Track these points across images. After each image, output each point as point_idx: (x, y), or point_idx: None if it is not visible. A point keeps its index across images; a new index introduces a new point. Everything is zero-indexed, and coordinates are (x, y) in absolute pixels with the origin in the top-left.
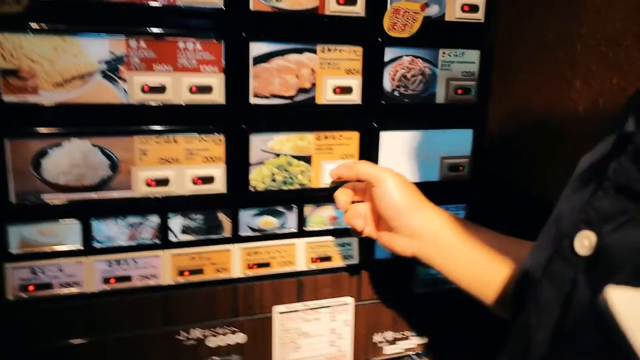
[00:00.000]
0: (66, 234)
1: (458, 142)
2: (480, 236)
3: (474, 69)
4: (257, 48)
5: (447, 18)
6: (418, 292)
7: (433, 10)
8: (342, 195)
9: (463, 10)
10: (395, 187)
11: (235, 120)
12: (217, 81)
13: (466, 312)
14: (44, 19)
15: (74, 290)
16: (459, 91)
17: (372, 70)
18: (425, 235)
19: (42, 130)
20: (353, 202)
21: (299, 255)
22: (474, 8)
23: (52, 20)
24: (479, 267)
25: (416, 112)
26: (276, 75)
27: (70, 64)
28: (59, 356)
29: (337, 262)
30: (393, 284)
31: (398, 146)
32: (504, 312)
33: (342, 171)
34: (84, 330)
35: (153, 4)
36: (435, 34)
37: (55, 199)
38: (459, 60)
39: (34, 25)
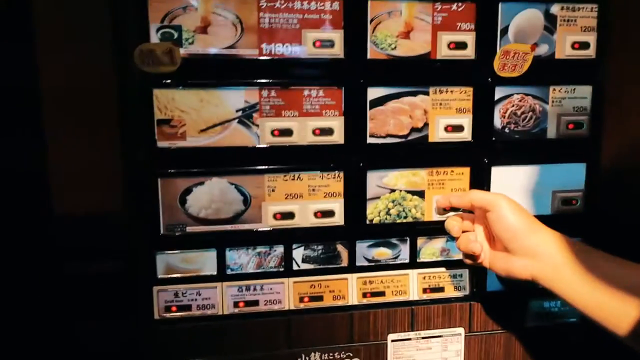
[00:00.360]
0: (204, 262)
1: (571, 176)
2: (605, 260)
3: (585, 104)
4: (373, 92)
5: (557, 56)
6: (531, 325)
7: (543, 49)
8: (454, 222)
9: (573, 48)
10: (510, 209)
11: (354, 159)
12: (337, 123)
13: (584, 348)
14: (192, 76)
15: (209, 312)
16: (571, 126)
17: (483, 108)
18: (544, 256)
19: (189, 170)
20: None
21: (412, 285)
22: (584, 45)
23: (199, 76)
24: (606, 293)
25: (527, 147)
26: (391, 117)
27: (212, 113)
28: None
29: (449, 292)
30: (505, 317)
31: (509, 181)
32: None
33: (454, 200)
34: (216, 349)
35: (282, 58)
36: (545, 72)
37: (196, 230)
38: (570, 96)
39: (184, 81)
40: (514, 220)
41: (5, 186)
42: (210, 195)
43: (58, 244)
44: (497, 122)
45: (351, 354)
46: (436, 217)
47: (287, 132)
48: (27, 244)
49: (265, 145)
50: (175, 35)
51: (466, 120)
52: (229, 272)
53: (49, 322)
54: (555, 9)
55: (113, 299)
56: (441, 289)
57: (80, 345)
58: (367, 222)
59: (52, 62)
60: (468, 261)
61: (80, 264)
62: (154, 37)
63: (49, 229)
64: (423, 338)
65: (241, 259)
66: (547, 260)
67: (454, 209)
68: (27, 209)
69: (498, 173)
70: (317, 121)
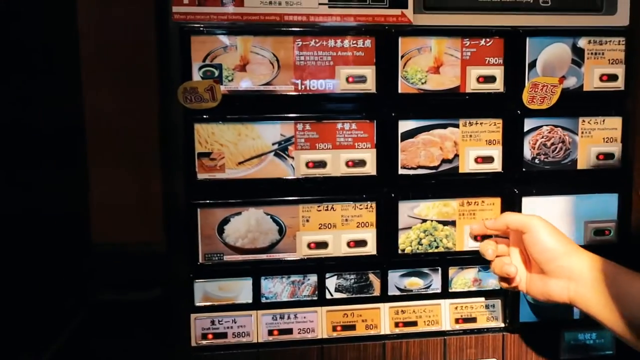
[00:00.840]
0: (240, 290)
1: (603, 206)
2: None
3: (616, 135)
4: (404, 125)
5: (585, 88)
6: (565, 357)
7: (571, 82)
8: (488, 245)
9: (602, 80)
10: (546, 231)
11: (385, 189)
12: (369, 155)
13: None
14: (232, 111)
15: (244, 340)
16: (601, 157)
17: (512, 140)
18: (582, 277)
19: (227, 201)
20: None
21: (444, 315)
22: (613, 77)
23: (237, 111)
24: None
25: (557, 178)
26: (422, 148)
27: (250, 146)
28: None
29: (482, 323)
30: (538, 348)
31: (540, 211)
32: None
33: (489, 224)
34: None
35: (316, 93)
36: (574, 104)
37: (233, 259)
38: (599, 127)
39: (224, 116)
40: (550, 241)
41: (52, 218)
42: (247, 225)
43: (100, 273)
44: (527, 153)
45: None
46: (468, 247)
47: (321, 164)
48: (66, 272)
49: (300, 177)
50: (216, 73)
51: (496, 152)
52: (263, 300)
53: (91, 347)
54: (582, 42)
55: (152, 326)
56: (474, 319)
57: None
58: (399, 251)
59: (98, 101)
60: (504, 284)
61: (122, 292)
62: (196, 75)
63: (87, 257)
64: None
65: (276, 287)
66: (584, 281)
67: (488, 237)
68: (68, 238)
69: (529, 204)
70: (349, 153)
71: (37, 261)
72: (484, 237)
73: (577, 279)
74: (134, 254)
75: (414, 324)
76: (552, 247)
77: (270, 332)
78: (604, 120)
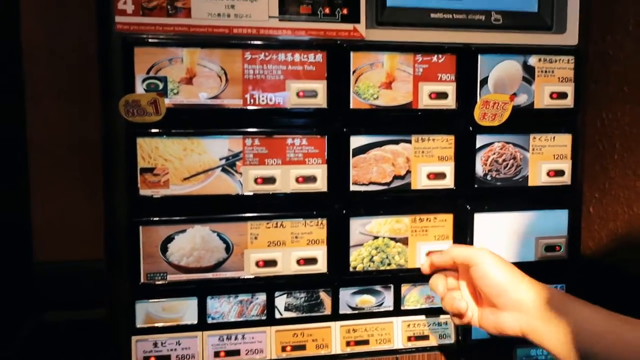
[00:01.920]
0: (185, 310)
1: (553, 222)
2: (596, 313)
3: (566, 152)
4: (356, 141)
5: (536, 106)
6: None
7: (522, 99)
8: (438, 280)
9: (552, 98)
10: (494, 263)
11: (337, 206)
12: (320, 171)
13: None
14: (177, 125)
15: None
16: (551, 173)
17: (464, 156)
18: (532, 309)
19: (171, 218)
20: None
21: (397, 333)
22: (562, 95)
23: (183, 125)
24: (599, 346)
25: (509, 194)
26: (374, 164)
27: (196, 161)
28: None
29: (434, 341)
30: None
31: (492, 227)
32: None
33: (435, 259)
34: None
35: (266, 107)
36: (524, 121)
37: (177, 279)
38: (550, 144)
39: (168, 130)
40: (498, 274)
41: None
42: (192, 243)
43: (38, 292)
44: (479, 170)
45: None
46: (420, 264)
47: (271, 180)
48: (7, 292)
49: (248, 193)
50: (161, 86)
51: (448, 168)
52: (210, 320)
53: None
54: (533, 60)
55: (93, 348)
56: (426, 337)
57: None
58: (351, 269)
59: (41, 117)
60: (456, 320)
61: (61, 312)
62: (140, 88)
63: (29, 277)
64: None
65: (222, 307)
66: (534, 314)
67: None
68: (8, 257)
69: (481, 220)
70: (300, 169)
71: None
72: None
73: (527, 311)
74: (79, 273)
75: (366, 342)
76: (500, 280)
77: (217, 354)
78: (554, 138)
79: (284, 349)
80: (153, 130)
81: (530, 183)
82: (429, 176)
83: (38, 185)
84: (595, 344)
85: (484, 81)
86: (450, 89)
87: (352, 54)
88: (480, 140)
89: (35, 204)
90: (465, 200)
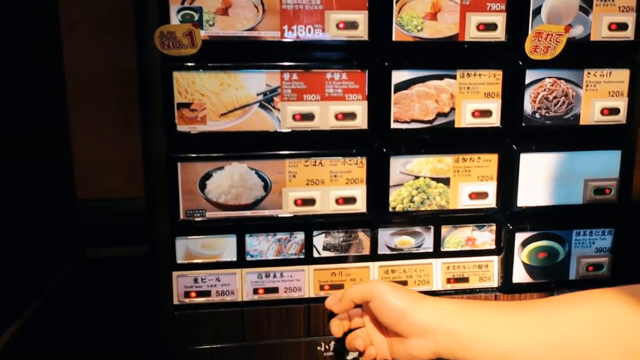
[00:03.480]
0: (224, 248)
1: (604, 164)
2: (505, 314)
3: (622, 89)
4: (398, 76)
5: (592, 38)
6: None
7: (577, 31)
8: (335, 323)
9: (610, 29)
10: (390, 291)
11: (377, 144)
12: (360, 108)
13: None
14: (213, 59)
15: (228, 298)
16: (605, 112)
17: (512, 93)
18: (436, 326)
19: (208, 155)
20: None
21: (436, 275)
22: (622, 26)
23: (219, 59)
24: (517, 352)
25: (558, 134)
26: (416, 101)
27: (233, 96)
28: (212, 356)
29: (474, 283)
30: None
31: (539, 168)
32: None
33: (335, 308)
34: (235, 335)
35: (304, 40)
36: (579, 55)
37: (216, 216)
38: (605, 80)
39: (204, 64)
40: (394, 301)
41: (28, 172)
42: (230, 180)
43: (82, 230)
44: (528, 107)
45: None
46: (462, 205)
47: (309, 117)
48: (50, 229)
49: (286, 130)
50: (196, 17)
51: (495, 105)
52: (248, 258)
53: (73, 305)
54: None
55: (133, 284)
56: (466, 279)
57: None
58: (390, 209)
59: (78, 49)
60: (358, 357)
61: (101, 249)
62: (175, 19)
63: (71, 214)
64: None
65: (261, 245)
66: (440, 329)
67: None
68: (51, 195)
69: (527, 160)
70: (339, 105)
71: (19, 216)
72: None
73: (430, 331)
74: (119, 210)
75: (404, 283)
76: (397, 305)
77: (255, 291)
78: (610, 73)
79: (322, 288)
80: (189, 64)
81: (582, 122)
82: (473, 114)
83: (77, 122)
84: (505, 345)
85: (537, 11)
86: (500, 19)
87: None
88: (530, 75)
89: (75, 141)
90: (512, 139)
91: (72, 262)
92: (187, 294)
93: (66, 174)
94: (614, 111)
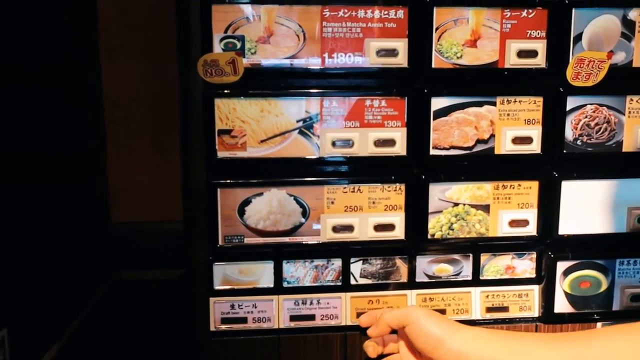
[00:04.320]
0: (261, 274)
1: None
2: (533, 343)
3: None
4: (438, 102)
5: (635, 64)
6: None
7: (619, 57)
8: (372, 344)
9: None
10: (427, 317)
11: (416, 171)
12: (399, 135)
13: None
14: (254, 86)
15: (264, 325)
16: None
17: (553, 119)
18: (473, 356)
19: (248, 181)
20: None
21: (475, 304)
22: None
23: (260, 86)
24: None
25: (601, 160)
26: (456, 128)
27: (273, 123)
28: None
29: (514, 312)
30: None
31: (581, 196)
32: None
33: (371, 332)
34: None
35: (344, 67)
36: (621, 81)
37: (254, 242)
38: None
39: (246, 91)
40: (431, 327)
41: (68, 196)
42: (269, 207)
43: (116, 253)
44: (569, 134)
45: None
46: (502, 233)
47: (348, 143)
48: (85, 252)
49: (325, 156)
50: (238, 45)
51: (535, 132)
52: (285, 284)
53: (107, 329)
54: (633, 14)
55: (166, 308)
56: (505, 309)
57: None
58: (429, 236)
59: (116, 73)
60: None
61: (135, 272)
62: (217, 47)
63: (106, 237)
64: None
65: (298, 271)
66: (476, 358)
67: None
68: (86, 218)
69: (569, 188)
70: (378, 132)
71: (56, 239)
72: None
73: (468, 358)
74: (153, 234)
75: (443, 312)
76: (434, 332)
77: (293, 318)
78: None
79: (359, 315)
80: (231, 91)
81: (625, 149)
82: (514, 140)
83: (113, 146)
84: None
85: (578, 38)
86: (540, 46)
87: (435, 9)
88: (571, 102)
89: (111, 165)
90: (553, 166)
91: (106, 285)
92: (224, 320)
93: (101, 197)
94: None
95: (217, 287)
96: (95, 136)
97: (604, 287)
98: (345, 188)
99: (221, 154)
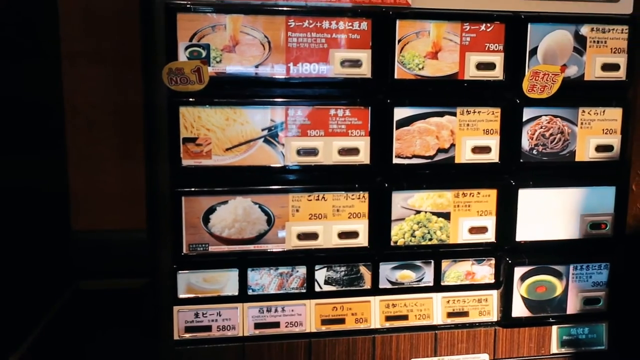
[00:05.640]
0: (226, 282)
1: (600, 199)
2: None
3: (615, 127)
4: (400, 113)
5: (586, 78)
6: (557, 352)
7: (572, 71)
8: None
9: (603, 70)
10: None
11: (379, 179)
12: (363, 144)
13: None
14: (219, 94)
15: (229, 333)
16: (600, 149)
17: (510, 129)
18: None
19: (213, 189)
20: None
21: (436, 309)
22: (614, 67)
23: (226, 95)
24: None
25: (555, 169)
26: (418, 137)
27: (238, 131)
28: None
29: (474, 317)
30: (531, 343)
31: (537, 203)
32: None
33: None
34: None
35: (309, 77)
36: (574, 94)
37: (219, 250)
38: (599, 118)
39: (211, 99)
40: None
41: (27, 203)
42: (234, 215)
43: (77, 261)
44: (525, 144)
45: None
46: (462, 240)
47: (313, 152)
48: (45, 260)
49: (290, 165)
50: (204, 53)
51: (493, 142)
52: (250, 292)
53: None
54: (585, 30)
55: (129, 317)
56: (466, 313)
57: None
58: (392, 243)
59: (78, 80)
60: None
61: (97, 282)
62: (182, 56)
63: (66, 245)
64: None
65: (263, 279)
66: None
67: None
68: (46, 225)
69: (525, 196)
70: (343, 141)
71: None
72: None
73: None
74: (115, 242)
75: (405, 317)
76: None
77: (257, 326)
78: (604, 111)
79: (323, 322)
80: (196, 99)
81: (578, 158)
82: (473, 150)
83: (74, 152)
84: None
85: (533, 51)
86: (498, 59)
87: (398, 22)
88: (528, 113)
89: (72, 172)
90: (510, 175)
91: (67, 294)
92: (188, 329)
93: (62, 205)
94: (608, 148)
95: (181, 296)
96: (54, 142)
97: (559, 291)
98: (309, 196)
99: (186, 162)
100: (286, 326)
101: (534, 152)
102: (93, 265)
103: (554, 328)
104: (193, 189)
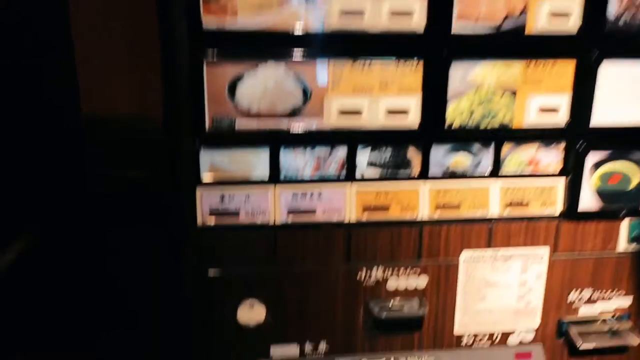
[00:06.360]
0: (255, 163)
1: None
2: None
3: None
4: None
5: None
6: (625, 249)
7: None
8: None
9: None
10: None
11: (436, 47)
12: (418, 3)
13: None
14: None
15: (259, 220)
16: None
17: None
18: None
19: (240, 53)
20: None
21: (492, 199)
22: None
23: None
24: None
25: None
26: None
27: None
28: (240, 282)
29: (534, 209)
30: (596, 238)
31: (621, 79)
32: None
33: None
34: (265, 259)
35: None
36: None
37: (247, 126)
38: None
39: None
40: None
41: (36, 85)
42: (264, 85)
43: (91, 144)
44: (612, 9)
45: (418, 271)
46: (528, 120)
47: (358, 12)
48: (62, 146)
49: (331, 27)
50: None
51: (574, 6)
52: (282, 175)
53: (85, 227)
54: None
55: (152, 202)
56: (526, 205)
57: (112, 251)
58: (446, 124)
59: None
60: None
61: (118, 165)
62: None
63: (81, 128)
64: (501, 258)
65: (297, 161)
66: None
67: None
68: (62, 108)
69: (609, 69)
70: (395, 0)
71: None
72: None
73: None
74: (131, 119)
75: (457, 207)
76: None
77: (290, 212)
78: None
79: (364, 211)
80: None
81: None
82: (549, 15)
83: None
84: None
85: None
86: None
87: None
88: None
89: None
90: (592, 44)
91: (82, 183)
92: (212, 214)
93: (73, 82)
94: None
95: (204, 179)
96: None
97: (634, 182)
98: (353, 65)
99: (207, 22)
100: (323, 213)
101: (623, 18)
102: (110, 148)
103: (625, 222)
104: (216, 53)
